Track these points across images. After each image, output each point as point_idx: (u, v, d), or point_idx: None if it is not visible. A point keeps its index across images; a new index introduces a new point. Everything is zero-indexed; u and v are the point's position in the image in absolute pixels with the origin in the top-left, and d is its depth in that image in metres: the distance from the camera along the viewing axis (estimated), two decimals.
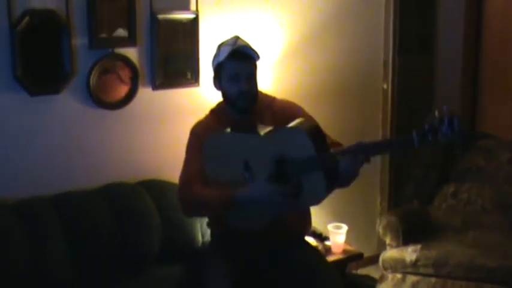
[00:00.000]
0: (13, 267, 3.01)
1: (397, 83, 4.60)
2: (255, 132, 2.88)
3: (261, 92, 3.10)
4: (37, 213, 3.15)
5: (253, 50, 2.98)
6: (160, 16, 3.55)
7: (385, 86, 4.60)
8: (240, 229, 2.92)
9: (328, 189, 2.74)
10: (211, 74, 3.60)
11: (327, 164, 2.71)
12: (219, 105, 3.11)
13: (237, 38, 3.03)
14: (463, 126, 2.43)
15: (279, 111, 3.04)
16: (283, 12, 4.05)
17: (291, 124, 2.84)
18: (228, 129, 2.92)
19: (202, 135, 2.98)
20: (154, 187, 3.54)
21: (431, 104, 4.90)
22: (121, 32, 3.45)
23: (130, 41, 3.49)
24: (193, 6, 3.68)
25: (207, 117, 3.11)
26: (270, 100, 3.11)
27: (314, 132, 2.79)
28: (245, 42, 3.01)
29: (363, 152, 2.68)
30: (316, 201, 2.83)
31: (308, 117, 3.01)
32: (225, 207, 2.84)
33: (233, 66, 2.95)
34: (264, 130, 2.88)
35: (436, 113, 2.47)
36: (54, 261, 3.12)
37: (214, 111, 3.12)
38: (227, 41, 3.02)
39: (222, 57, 2.97)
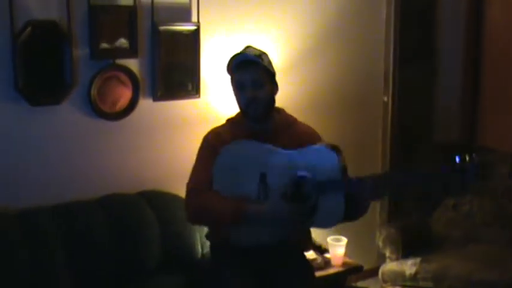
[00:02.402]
0: (13, 276, 3.00)
1: (397, 95, 4.61)
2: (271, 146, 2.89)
3: (284, 111, 3.11)
4: (37, 224, 3.15)
5: (258, 56, 2.96)
6: (162, 27, 3.56)
7: (385, 99, 4.61)
8: (240, 245, 2.90)
9: (344, 216, 2.77)
10: (213, 86, 3.62)
11: (353, 187, 2.72)
12: (238, 115, 3.10)
13: (247, 47, 3.05)
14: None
15: (301, 134, 3.03)
16: (284, 23, 4.06)
17: (319, 143, 2.86)
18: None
19: (216, 145, 2.97)
20: (154, 198, 3.53)
21: (431, 116, 4.91)
22: (122, 43, 3.46)
23: (132, 52, 3.49)
24: (194, 18, 3.68)
25: (222, 126, 3.10)
26: (291, 121, 3.10)
27: (341, 155, 2.80)
28: (255, 50, 3.01)
29: (392, 182, 2.76)
30: (330, 223, 2.87)
31: None
32: (234, 219, 2.80)
33: (238, 76, 2.97)
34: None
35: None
36: (54, 271, 3.11)
37: (231, 121, 3.10)
38: (238, 52, 3.03)
39: (230, 68, 3.00)
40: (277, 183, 2.80)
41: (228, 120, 3.11)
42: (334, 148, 2.80)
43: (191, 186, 2.95)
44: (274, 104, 3.04)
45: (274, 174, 2.82)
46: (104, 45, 3.40)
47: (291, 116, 3.13)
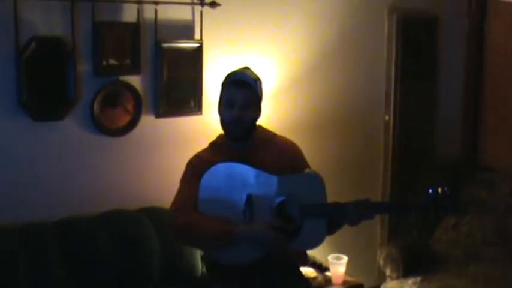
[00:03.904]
0: None
1: (398, 114, 4.62)
2: (253, 163, 2.93)
3: (261, 127, 3.14)
4: (39, 239, 3.15)
5: (254, 79, 3.00)
6: (165, 45, 3.58)
7: (386, 118, 4.62)
8: (229, 263, 2.91)
9: (325, 237, 2.92)
10: (215, 103, 3.63)
11: (335, 214, 2.86)
12: (219, 137, 3.14)
13: (245, 68, 3.08)
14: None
15: (282, 148, 3.09)
16: (286, 42, 4.08)
17: (306, 170, 2.98)
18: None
19: (199, 167, 2.99)
20: (155, 214, 3.53)
21: (433, 134, 4.91)
22: (126, 60, 3.47)
23: (135, 68, 3.51)
24: (197, 36, 3.71)
25: (205, 151, 3.13)
26: (270, 136, 3.14)
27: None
28: (252, 73, 3.04)
29: (370, 209, 2.85)
30: (312, 246, 3.00)
31: (307, 164, 3.13)
32: (224, 240, 2.83)
33: (230, 92, 3.00)
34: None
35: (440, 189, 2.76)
36: (56, 287, 3.11)
37: (214, 144, 3.14)
38: (236, 70, 3.07)
39: (225, 82, 3.03)
40: (263, 206, 2.87)
41: (211, 144, 3.15)
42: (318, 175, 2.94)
43: (176, 206, 2.97)
44: (254, 127, 3.08)
45: (260, 196, 2.88)
46: (108, 61, 3.42)
47: (270, 131, 3.17)
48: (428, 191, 2.74)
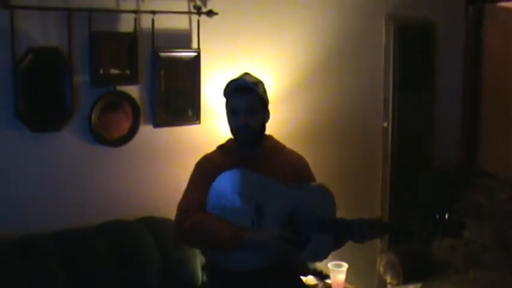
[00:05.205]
0: None
1: (397, 121, 4.62)
2: (260, 171, 2.93)
3: (272, 137, 3.14)
4: (37, 250, 3.14)
5: (255, 84, 2.99)
6: (162, 54, 3.58)
7: (385, 124, 4.62)
8: (232, 268, 2.89)
9: (331, 252, 2.94)
10: (213, 112, 3.63)
11: (342, 230, 2.86)
12: (228, 141, 3.13)
13: (245, 74, 3.08)
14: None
15: (290, 160, 3.09)
16: (283, 51, 4.08)
17: (317, 183, 3.02)
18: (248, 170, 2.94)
19: (207, 168, 2.99)
20: (154, 224, 3.53)
21: (431, 141, 4.91)
22: (123, 70, 3.48)
23: (132, 78, 3.51)
24: (195, 45, 3.71)
25: (214, 153, 3.12)
26: (280, 147, 3.14)
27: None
28: (252, 77, 3.04)
29: (375, 230, 2.81)
30: (317, 259, 3.08)
31: (314, 178, 3.14)
32: (233, 243, 2.80)
33: (232, 100, 3.00)
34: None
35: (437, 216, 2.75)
36: None
37: (222, 147, 3.13)
38: (236, 77, 3.06)
39: (226, 91, 3.03)
40: (273, 215, 2.86)
41: (219, 147, 3.14)
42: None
43: (184, 207, 2.94)
44: (264, 131, 3.08)
45: (270, 206, 2.87)
46: (105, 71, 3.42)
47: (280, 143, 3.17)
48: (435, 216, 2.73)
